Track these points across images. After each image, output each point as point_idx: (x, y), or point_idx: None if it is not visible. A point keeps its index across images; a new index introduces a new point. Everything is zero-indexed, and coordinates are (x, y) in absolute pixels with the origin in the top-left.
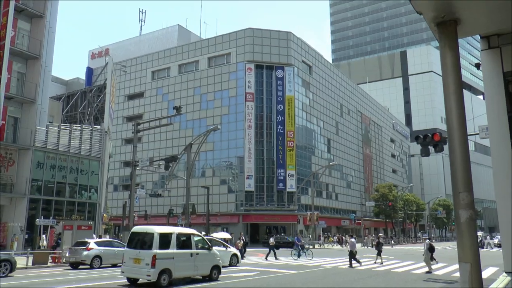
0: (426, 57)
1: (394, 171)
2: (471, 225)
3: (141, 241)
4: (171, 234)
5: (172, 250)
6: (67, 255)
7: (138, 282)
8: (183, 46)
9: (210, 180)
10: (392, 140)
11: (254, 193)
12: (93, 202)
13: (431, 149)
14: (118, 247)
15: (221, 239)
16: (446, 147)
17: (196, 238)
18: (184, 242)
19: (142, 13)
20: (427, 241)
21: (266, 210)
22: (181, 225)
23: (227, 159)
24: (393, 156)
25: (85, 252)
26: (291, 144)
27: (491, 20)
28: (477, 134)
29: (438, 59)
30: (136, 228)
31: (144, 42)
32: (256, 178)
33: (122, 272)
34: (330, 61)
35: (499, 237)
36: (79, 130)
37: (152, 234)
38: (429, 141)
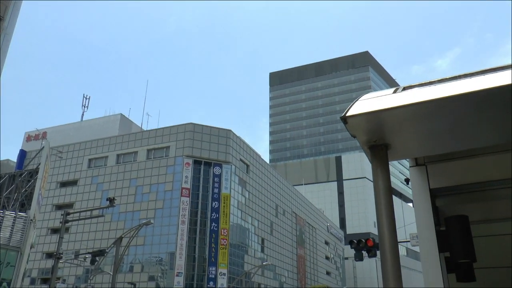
0: (359, 163)
1: (328, 273)
2: None
3: None
4: None
5: None
6: None
7: None
8: (123, 136)
9: (137, 276)
10: (326, 243)
11: None
12: None
13: (365, 253)
14: None
15: None
16: (379, 252)
17: None
18: None
19: (86, 99)
20: None
21: None
22: None
23: (157, 255)
24: (327, 258)
25: None
26: (225, 242)
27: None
28: (409, 241)
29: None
30: None
31: (85, 128)
32: (186, 276)
33: None
34: (268, 161)
35: None
36: (0, 216)
37: None
38: (362, 246)
